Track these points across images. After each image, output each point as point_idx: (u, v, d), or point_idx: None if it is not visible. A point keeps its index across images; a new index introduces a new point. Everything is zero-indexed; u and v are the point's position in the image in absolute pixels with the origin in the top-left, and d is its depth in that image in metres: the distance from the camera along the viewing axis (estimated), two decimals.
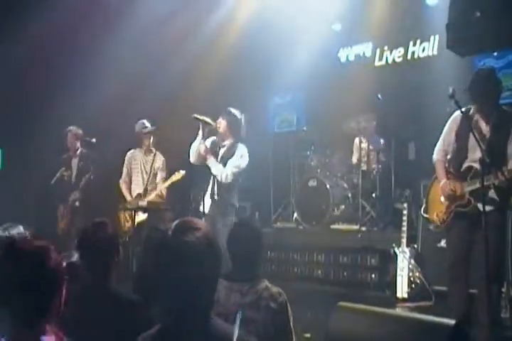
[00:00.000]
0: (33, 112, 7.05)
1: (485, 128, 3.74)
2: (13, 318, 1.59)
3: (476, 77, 3.75)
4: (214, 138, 5.00)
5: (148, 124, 5.85)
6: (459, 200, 3.73)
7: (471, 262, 3.74)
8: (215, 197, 4.76)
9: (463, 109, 3.76)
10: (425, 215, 4.07)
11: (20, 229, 2.61)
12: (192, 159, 4.93)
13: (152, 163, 5.68)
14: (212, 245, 1.59)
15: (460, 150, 3.83)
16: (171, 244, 1.56)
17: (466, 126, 3.73)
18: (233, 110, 4.88)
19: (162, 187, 5.63)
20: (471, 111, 3.81)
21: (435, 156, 4.01)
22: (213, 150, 4.91)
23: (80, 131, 6.30)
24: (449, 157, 3.95)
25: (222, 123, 4.83)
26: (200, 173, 5.12)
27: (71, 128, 6.29)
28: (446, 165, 3.93)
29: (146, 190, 5.60)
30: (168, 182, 5.57)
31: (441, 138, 4.00)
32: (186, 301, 1.55)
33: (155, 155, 5.76)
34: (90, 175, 6.00)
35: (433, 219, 3.95)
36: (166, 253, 1.56)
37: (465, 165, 3.77)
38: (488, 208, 3.51)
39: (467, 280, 3.76)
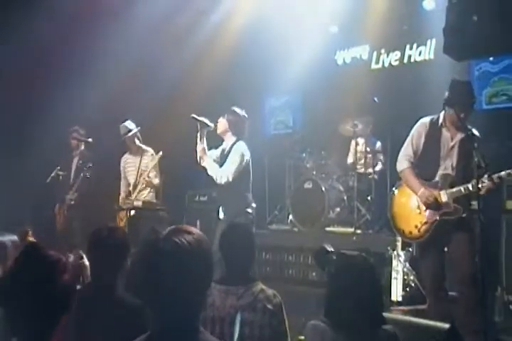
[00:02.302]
0: (31, 112, 7.03)
1: (454, 138, 3.76)
2: (22, 326, 1.59)
3: (458, 87, 3.75)
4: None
5: (131, 126, 5.73)
6: (444, 208, 3.67)
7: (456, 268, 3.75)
8: (221, 201, 4.75)
9: (433, 117, 3.80)
10: (395, 230, 3.93)
11: (14, 237, 2.63)
12: (199, 161, 4.87)
13: (140, 161, 5.67)
14: (203, 251, 1.55)
15: (431, 158, 3.77)
16: (160, 246, 1.52)
17: (437, 134, 3.74)
18: (236, 109, 4.81)
19: (150, 172, 5.50)
20: (441, 119, 3.79)
21: (402, 164, 3.84)
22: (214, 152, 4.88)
23: (83, 132, 6.32)
24: (415, 160, 3.83)
25: (221, 123, 4.78)
26: (195, 174, 5.12)
27: (76, 128, 6.32)
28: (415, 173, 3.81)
29: (135, 187, 5.57)
30: (152, 163, 5.46)
31: (406, 144, 3.87)
32: (174, 307, 1.51)
33: (142, 152, 5.75)
34: (86, 175, 5.96)
35: (411, 231, 3.80)
36: (154, 256, 1.53)
37: (439, 173, 3.75)
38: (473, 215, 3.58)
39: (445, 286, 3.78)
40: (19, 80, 6.85)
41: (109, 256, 2.48)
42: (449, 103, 3.68)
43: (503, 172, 3.50)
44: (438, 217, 3.69)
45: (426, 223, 3.73)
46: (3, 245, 2.70)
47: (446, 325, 2.86)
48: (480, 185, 3.46)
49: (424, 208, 3.74)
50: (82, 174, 5.99)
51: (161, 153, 5.49)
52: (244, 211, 4.61)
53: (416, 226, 3.77)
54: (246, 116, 4.84)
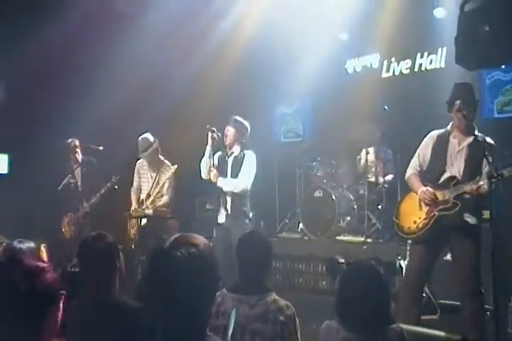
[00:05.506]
0: (41, 118, 7.09)
1: (462, 143, 3.84)
2: (9, 332, 1.59)
3: (459, 87, 3.87)
4: (220, 152, 5.07)
5: (150, 138, 5.66)
6: (442, 204, 3.76)
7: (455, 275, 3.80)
8: (228, 206, 4.80)
9: (441, 130, 3.94)
10: (397, 229, 4.06)
11: (32, 244, 2.68)
12: (203, 175, 4.99)
13: (158, 173, 5.64)
14: (206, 263, 1.55)
15: (437, 165, 3.89)
16: (163, 256, 1.54)
17: (444, 143, 3.86)
18: (239, 118, 5.00)
19: (162, 187, 5.51)
20: (449, 128, 3.92)
21: (409, 171, 4.05)
22: (222, 163, 4.94)
23: (77, 143, 6.35)
24: (422, 170, 4.01)
25: (230, 131, 4.94)
26: (206, 182, 5.14)
27: (69, 141, 6.35)
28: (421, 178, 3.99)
29: (148, 196, 5.56)
30: (163, 178, 5.45)
31: (414, 156, 4.07)
32: (180, 317, 1.52)
33: (161, 164, 5.72)
34: (114, 186, 5.93)
35: (409, 227, 3.92)
36: (157, 266, 1.54)
37: (445, 176, 3.83)
38: (471, 221, 3.66)
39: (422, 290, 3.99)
40: (29, 88, 6.92)
41: (97, 262, 2.50)
42: (451, 103, 3.75)
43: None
44: (436, 213, 3.77)
45: (425, 219, 3.82)
46: (21, 252, 2.73)
47: (459, 337, 2.84)
48: (477, 184, 3.55)
49: (424, 205, 3.84)
50: (108, 184, 5.95)
51: (174, 167, 5.46)
52: (245, 212, 4.80)
53: (415, 222, 3.88)
54: (248, 124, 5.00)
